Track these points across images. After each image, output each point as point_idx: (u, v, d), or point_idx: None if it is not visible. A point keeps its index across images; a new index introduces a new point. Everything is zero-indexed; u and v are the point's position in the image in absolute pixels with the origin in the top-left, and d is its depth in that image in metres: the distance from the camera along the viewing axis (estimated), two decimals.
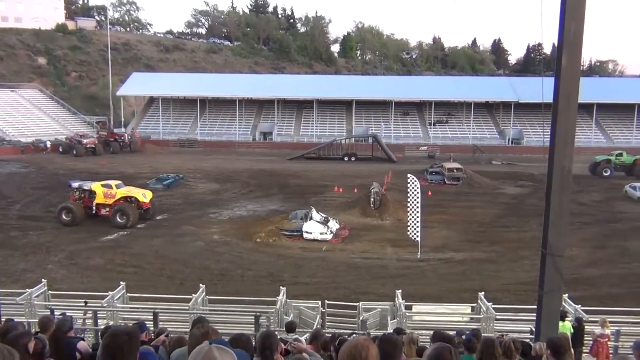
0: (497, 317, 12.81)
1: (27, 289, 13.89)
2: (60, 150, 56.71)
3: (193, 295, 13.82)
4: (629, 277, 19.74)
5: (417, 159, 57.20)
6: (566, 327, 10.53)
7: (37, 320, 11.69)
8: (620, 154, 46.11)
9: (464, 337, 8.66)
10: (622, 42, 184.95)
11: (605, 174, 44.33)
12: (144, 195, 27.95)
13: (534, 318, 4.60)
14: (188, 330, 7.45)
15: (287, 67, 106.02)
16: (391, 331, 10.17)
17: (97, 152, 55.95)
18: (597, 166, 45.23)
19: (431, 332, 8.65)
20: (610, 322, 11.48)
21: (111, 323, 11.82)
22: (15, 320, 7.97)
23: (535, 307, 4.34)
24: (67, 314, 10.21)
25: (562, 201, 4.26)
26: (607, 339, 11.03)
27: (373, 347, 3.11)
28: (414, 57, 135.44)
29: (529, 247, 22.31)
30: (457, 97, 70.67)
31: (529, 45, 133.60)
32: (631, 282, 19.07)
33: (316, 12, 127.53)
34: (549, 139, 4.31)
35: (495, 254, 22.69)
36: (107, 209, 27.18)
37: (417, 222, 21.73)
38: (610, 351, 11.09)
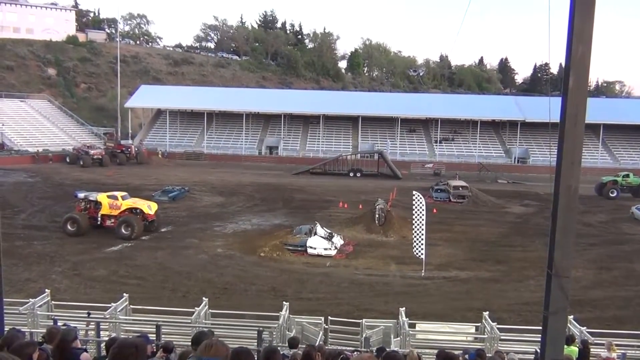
0: (502, 337, 12.69)
1: (31, 299, 13.87)
2: (67, 160, 57.07)
3: (196, 308, 13.77)
4: (635, 299, 19.53)
5: (423, 176, 57.17)
6: (573, 351, 10.40)
7: (39, 330, 11.70)
8: (627, 175, 45.95)
9: (467, 356, 8.62)
10: (629, 64, 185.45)
11: (611, 195, 44.14)
12: (149, 207, 28.00)
13: (539, 339, 4.58)
14: (190, 343, 7.42)
15: (295, 82, 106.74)
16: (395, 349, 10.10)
17: (103, 163, 56.27)
18: (604, 187, 45.04)
19: (435, 351, 8.60)
20: (616, 345, 11.35)
21: (113, 335, 11.78)
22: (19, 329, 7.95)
23: (540, 328, 4.31)
24: (70, 324, 10.19)
25: (568, 221, 4.25)
26: None
27: None
28: (420, 74, 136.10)
29: (534, 267, 22.16)
30: (464, 115, 70.84)
31: (535, 65, 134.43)
32: (637, 305, 18.86)
33: (324, 29, 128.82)
34: (555, 159, 4.32)
35: (500, 273, 22.53)
36: (112, 220, 27.21)
37: (422, 239, 21.64)
38: None
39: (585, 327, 12.80)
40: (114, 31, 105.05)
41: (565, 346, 9.49)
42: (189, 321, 13.25)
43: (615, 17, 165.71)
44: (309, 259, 23.75)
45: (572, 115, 4.09)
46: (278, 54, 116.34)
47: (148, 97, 73.62)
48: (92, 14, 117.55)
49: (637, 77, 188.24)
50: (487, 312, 13.85)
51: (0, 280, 6.83)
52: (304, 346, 8.37)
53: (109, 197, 27.79)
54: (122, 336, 10.92)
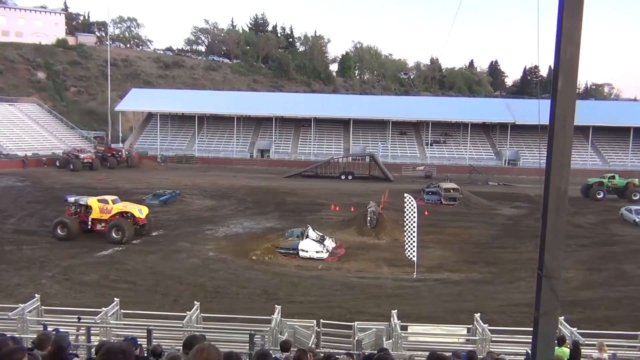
0: (493, 338, 12.73)
1: (20, 304, 13.72)
2: (58, 164, 56.64)
3: (187, 312, 13.70)
4: (625, 300, 19.69)
5: (414, 179, 57.32)
6: (564, 352, 10.45)
7: (29, 336, 11.58)
8: (613, 177, 46.20)
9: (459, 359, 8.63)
10: (618, 66, 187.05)
11: (598, 196, 44.42)
12: (140, 211, 27.84)
13: (530, 340, 4.60)
14: (181, 347, 7.37)
15: (286, 86, 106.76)
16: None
17: (94, 167, 55.91)
18: (590, 188, 45.32)
19: (427, 353, 8.61)
20: (607, 345, 11.41)
21: (104, 339, 11.70)
22: (7, 335, 7.87)
23: (531, 329, 4.33)
24: (60, 329, 10.11)
25: (558, 223, 4.27)
26: None
27: None
28: (411, 77, 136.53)
29: (525, 269, 22.26)
30: (454, 117, 71.16)
31: (525, 68, 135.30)
32: (627, 305, 19.02)
33: (315, 32, 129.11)
34: (545, 161, 4.34)
35: (491, 275, 22.62)
36: (103, 224, 27.05)
37: (414, 241, 21.68)
38: None
39: (576, 328, 12.88)
40: (104, 34, 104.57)
41: (556, 347, 9.55)
42: (181, 325, 13.19)
43: (604, 20, 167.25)
44: (300, 262, 23.71)
45: (561, 118, 4.12)
46: (269, 57, 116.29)
47: (138, 100, 73.26)
48: (81, 17, 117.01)
49: (626, 80, 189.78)
50: (479, 314, 13.89)
51: None
52: (296, 349, 8.35)
53: (99, 201, 27.61)
54: (113, 340, 10.83)
